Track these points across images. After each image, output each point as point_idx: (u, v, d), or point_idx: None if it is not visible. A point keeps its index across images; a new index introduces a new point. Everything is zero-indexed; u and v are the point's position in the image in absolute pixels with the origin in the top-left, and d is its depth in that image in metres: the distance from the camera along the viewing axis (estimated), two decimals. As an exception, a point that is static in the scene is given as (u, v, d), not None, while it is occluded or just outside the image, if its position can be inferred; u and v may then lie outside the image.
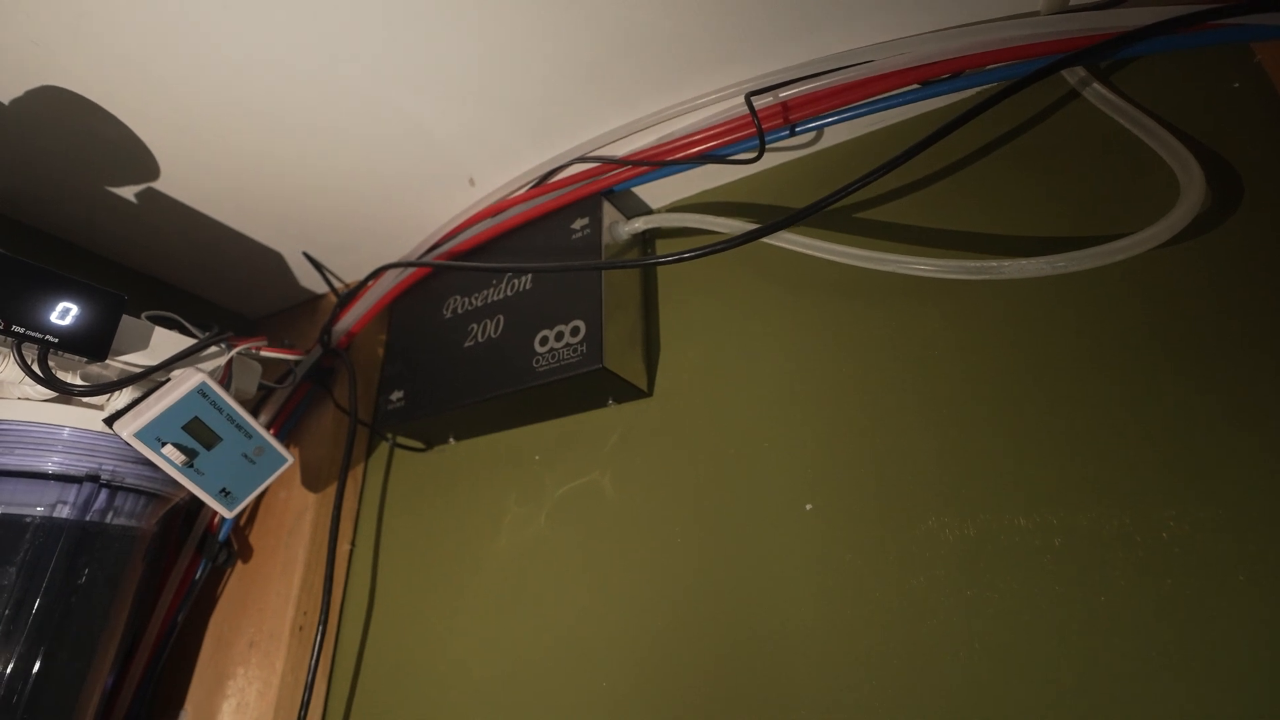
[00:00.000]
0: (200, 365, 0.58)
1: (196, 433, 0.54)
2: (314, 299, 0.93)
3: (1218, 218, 0.45)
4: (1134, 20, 0.43)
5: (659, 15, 0.52)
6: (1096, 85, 0.50)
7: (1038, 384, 0.47)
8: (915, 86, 0.53)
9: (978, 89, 0.54)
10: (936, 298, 0.52)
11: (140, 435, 0.51)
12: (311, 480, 0.77)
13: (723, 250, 0.48)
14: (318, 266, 0.84)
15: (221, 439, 0.56)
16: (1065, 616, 0.42)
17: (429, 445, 0.77)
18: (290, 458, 0.61)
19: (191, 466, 0.54)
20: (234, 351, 0.60)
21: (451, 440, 0.75)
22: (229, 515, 0.57)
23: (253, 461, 0.58)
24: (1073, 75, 0.51)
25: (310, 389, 0.81)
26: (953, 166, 0.56)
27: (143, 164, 0.67)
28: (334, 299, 0.88)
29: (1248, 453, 0.40)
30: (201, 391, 0.54)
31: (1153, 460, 0.42)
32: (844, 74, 0.53)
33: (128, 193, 0.71)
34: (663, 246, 0.71)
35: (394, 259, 0.82)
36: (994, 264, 0.44)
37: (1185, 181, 0.43)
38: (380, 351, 0.85)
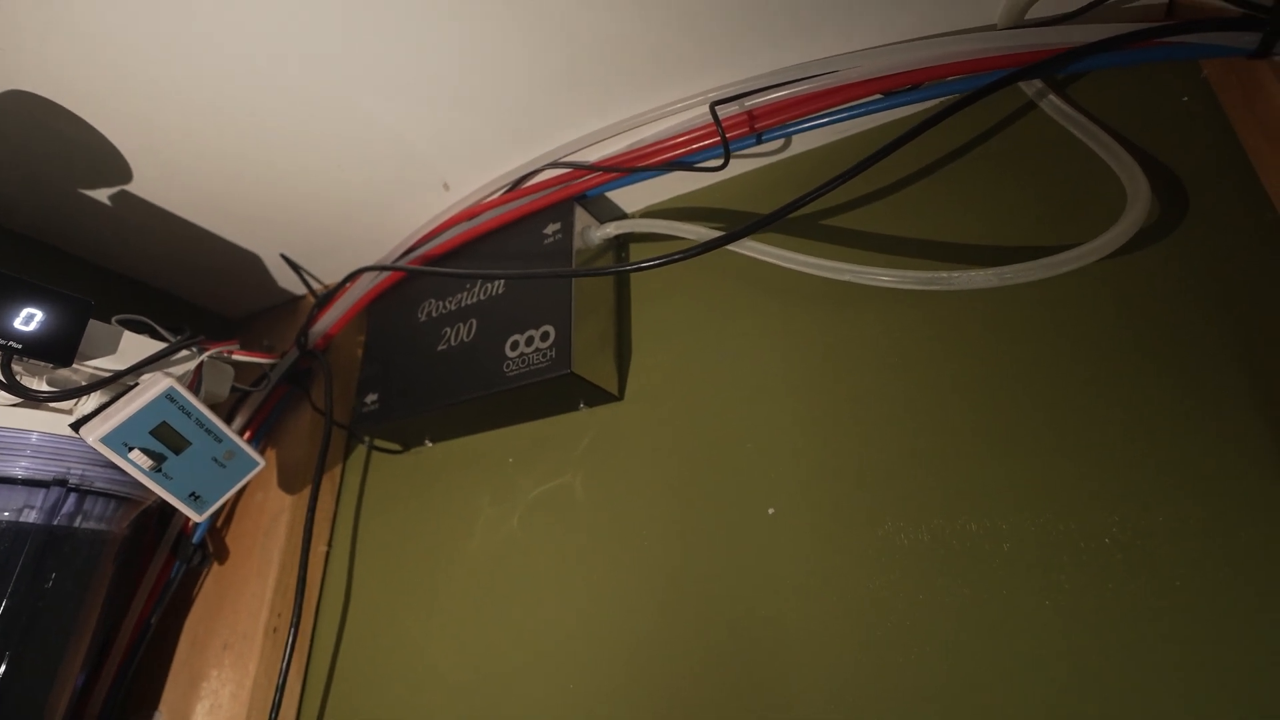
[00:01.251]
0: (170, 369, 0.58)
1: (165, 437, 0.55)
2: (293, 299, 0.93)
3: (1164, 229, 0.46)
4: (1086, 36, 0.44)
5: (631, 26, 0.53)
6: (1052, 97, 0.51)
7: (986, 392, 0.48)
8: (878, 96, 0.54)
9: (939, 100, 0.55)
10: (894, 306, 0.53)
11: (107, 440, 0.51)
12: (288, 482, 0.77)
13: (687, 258, 0.49)
14: (295, 268, 0.85)
15: (190, 443, 0.56)
16: (1014, 620, 0.43)
17: (406, 447, 0.78)
18: (261, 461, 0.62)
19: (160, 471, 0.55)
20: (205, 356, 0.60)
21: (428, 442, 0.76)
22: (198, 519, 0.57)
23: (223, 465, 0.59)
24: (1030, 87, 0.52)
25: (288, 390, 0.81)
26: (914, 174, 0.57)
27: (115, 167, 0.67)
28: (312, 300, 0.89)
29: (1184, 461, 0.41)
30: (169, 396, 0.54)
31: (1095, 467, 0.43)
32: (808, 84, 0.54)
33: (101, 195, 0.71)
34: (635, 250, 0.72)
35: (371, 261, 0.82)
36: (945, 275, 0.44)
37: (1132, 194, 0.43)
38: (359, 352, 0.86)
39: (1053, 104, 0.50)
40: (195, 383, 0.61)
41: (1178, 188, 0.47)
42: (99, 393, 0.54)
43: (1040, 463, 0.45)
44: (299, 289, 0.90)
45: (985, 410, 0.48)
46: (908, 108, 0.57)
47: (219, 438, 0.58)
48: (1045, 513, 0.44)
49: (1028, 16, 0.51)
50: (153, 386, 0.53)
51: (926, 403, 0.50)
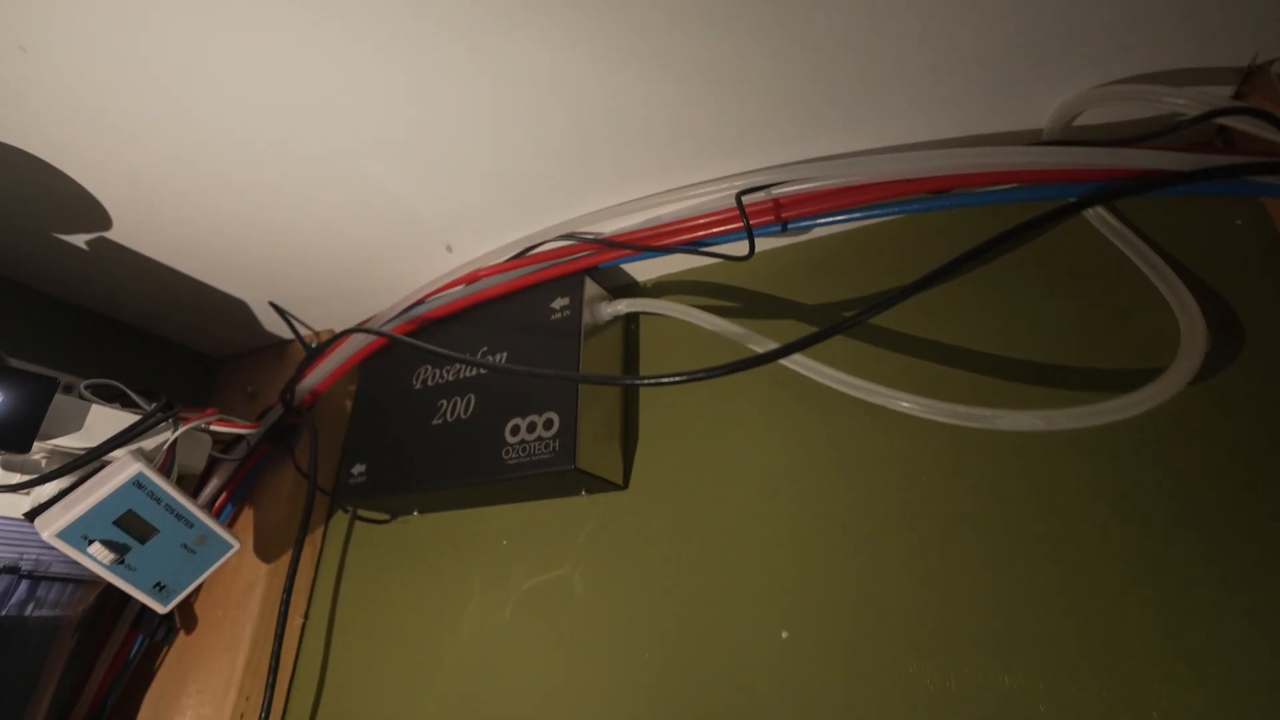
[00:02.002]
0: (141, 445, 0.53)
1: (130, 526, 0.50)
2: (281, 343, 0.89)
3: (1219, 364, 0.43)
4: (1143, 161, 0.41)
5: (653, 106, 0.50)
6: (1102, 210, 0.48)
7: (1031, 535, 0.45)
8: (917, 195, 0.51)
9: (977, 206, 0.52)
10: (930, 430, 0.49)
11: (64, 535, 0.47)
12: (265, 548, 0.73)
13: (711, 377, 0.45)
14: (285, 316, 0.80)
15: (158, 530, 0.52)
16: (1050, 794, 0.39)
17: (393, 516, 0.73)
18: (236, 543, 0.57)
19: (123, 563, 0.50)
20: (180, 430, 0.56)
21: (416, 513, 0.72)
22: (162, 610, 0.53)
23: (193, 551, 0.54)
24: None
25: (268, 449, 0.77)
26: (950, 288, 0.54)
27: (94, 217, 0.62)
28: (301, 349, 0.84)
29: (1246, 633, 0.38)
30: (137, 483, 0.50)
31: (1150, 631, 0.40)
32: (839, 179, 0.51)
33: (79, 240, 0.66)
34: (646, 324, 0.68)
35: (367, 314, 0.79)
36: (988, 413, 0.41)
37: (1186, 332, 0.40)
38: (348, 404, 0.82)
39: (1102, 218, 0.47)
40: (168, 460, 0.56)
41: (1234, 323, 0.44)
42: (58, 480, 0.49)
43: (1081, 623, 0.42)
44: (288, 334, 0.86)
45: (1023, 557, 0.44)
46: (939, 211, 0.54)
47: (190, 522, 0.54)
48: (1087, 675, 0.41)
49: (1075, 124, 0.48)
50: (118, 472, 0.49)
51: (955, 540, 0.46)
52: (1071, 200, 0.41)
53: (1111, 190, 0.40)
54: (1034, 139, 0.50)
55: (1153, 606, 0.41)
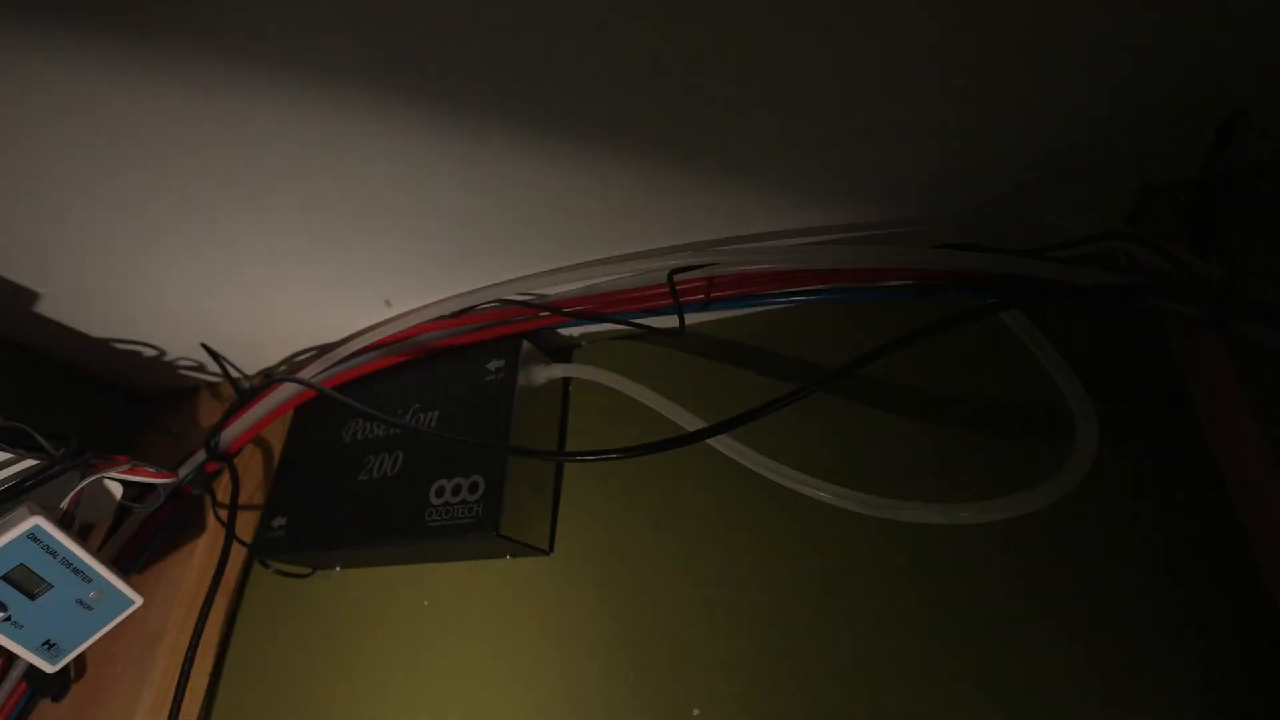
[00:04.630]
0: (42, 497, 0.51)
1: (20, 582, 0.48)
2: (212, 385, 0.87)
3: (1107, 468, 0.46)
4: (1057, 274, 0.44)
5: (584, 191, 0.51)
6: (1018, 313, 0.51)
7: (934, 622, 0.46)
8: (842, 286, 0.53)
9: (900, 301, 0.54)
10: (843, 517, 0.50)
11: (-56, 592, 0.44)
12: (174, 601, 0.70)
13: (626, 457, 0.46)
14: (217, 358, 0.79)
15: (51, 585, 0.50)
16: None
17: (313, 570, 0.71)
18: (138, 600, 0.55)
19: (8, 620, 0.48)
20: (88, 481, 0.54)
21: (338, 569, 0.70)
22: (51, 670, 0.50)
23: (89, 608, 0.52)
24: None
25: (189, 493, 0.74)
26: (872, 382, 0.56)
27: (19, 253, 0.61)
28: (233, 389, 0.82)
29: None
30: (33, 536, 0.48)
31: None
32: (767, 265, 0.53)
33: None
34: (582, 388, 0.69)
35: (303, 361, 0.77)
36: (890, 503, 0.43)
37: (1081, 432, 0.43)
38: (275, 453, 0.80)
39: (1018, 320, 0.50)
40: (72, 509, 0.54)
41: (1123, 424, 0.47)
42: (-54, 530, 0.47)
43: (982, 706, 0.43)
44: (218, 376, 0.84)
45: (928, 640, 0.46)
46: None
47: (89, 577, 0.52)
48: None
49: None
50: (12, 525, 0.47)
51: (869, 623, 0.47)
52: (991, 302, 0.43)
53: (1019, 298, 0.43)
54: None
55: (1041, 695, 0.42)
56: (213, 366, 0.82)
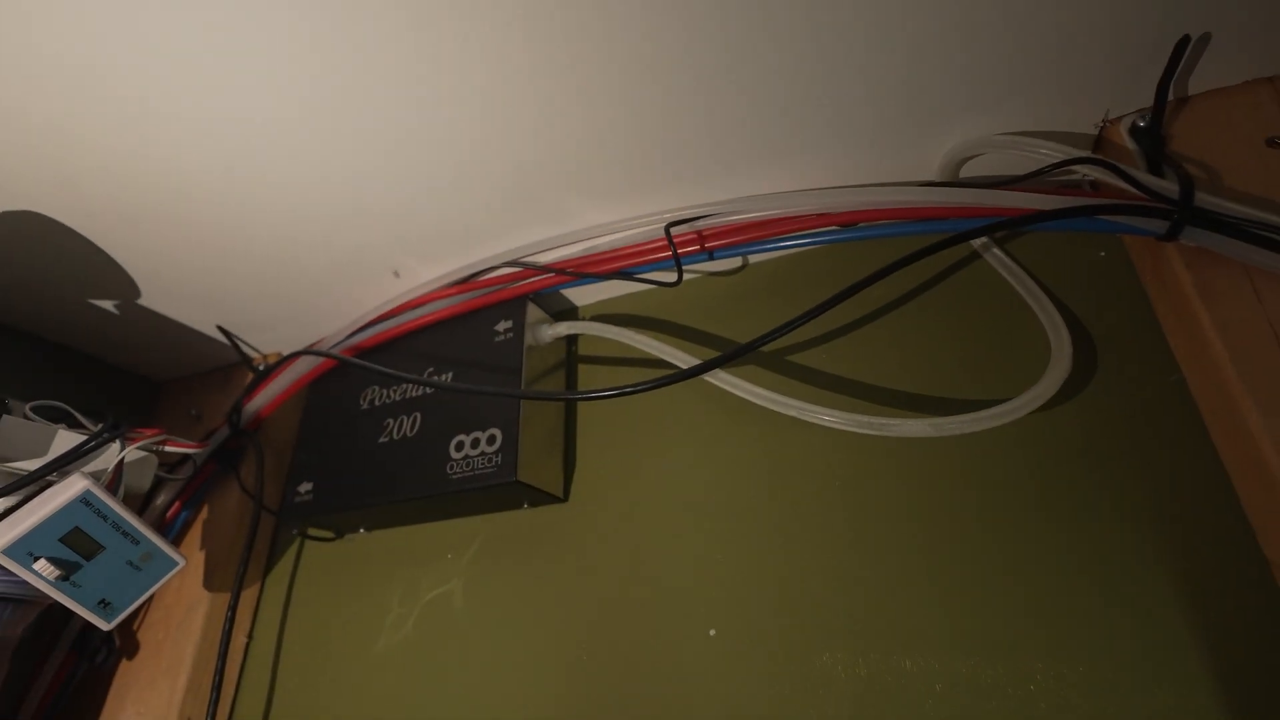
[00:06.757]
0: (87, 468, 0.55)
1: (76, 544, 0.51)
2: (227, 367, 0.90)
3: (1080, 384, 0.50)
4: (1020, 202, 0.48)
5: (589, 149, 0.54)
6: (995, 250, 0.54)
7: (923, 533, 0.50)
8: (826, 229, 0.56)
9: (880, 239, 0.58)
10: (838, 441, 0.54)
11: (9, 553, 0.47)
12: (210, 568, 0.73)
13: (639, 391, 0.49)
14: (232, 339, 0.82)
15: (104, 548, 0.53)
16: (943, 764, 0.44)
17: (339, 534, 0.75)
18: (182, 560, 0.58)
19: (68, 580, 0.51)
20: (127, 450, 0.57)
21: (362, 531, 0.73)
22: (106, 628, 0.54)
23: (138, 568, 0.55)
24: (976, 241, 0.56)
25: (215, 469, 0.77)
26: (852, 311, 0.59)
27: (39, 242, 0.64)
28: (249, 371, 0.85)
29: (1102, 610, 0.44)
30: (85, 500, 0.51)
31: (1025, 613, 0.45)
32: (758, 214, 0.56)
33: (20, 263, 0.67)
34: (585, 344, 0.72)
35: (315, 338, 0.80)
36: (884, 421, 0.46)
37: (1056, 351, 0.46)
38: (294, 426, 0.83)
39: (995, 256, 0.53)
40: (115, 479, 0.57)
41: (1094, 346, 0.50)
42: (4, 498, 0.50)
43: (972, 605, 0.47)
44: (233, 358, 0.87)
45: (922, 550, 0.49)
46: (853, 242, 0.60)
47: (136, 539, 0.55)
48: (976, 656, 0.45)
49: (961, 175, 0.54)
50: (66, 490, 0.50)
51: (868, 538, 0.51)
52: (952, 234, 0.46)
53: (991, 226, 0.46)
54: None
55: (1025, 589, 0.46)
56: (225, 350, 0.85)
